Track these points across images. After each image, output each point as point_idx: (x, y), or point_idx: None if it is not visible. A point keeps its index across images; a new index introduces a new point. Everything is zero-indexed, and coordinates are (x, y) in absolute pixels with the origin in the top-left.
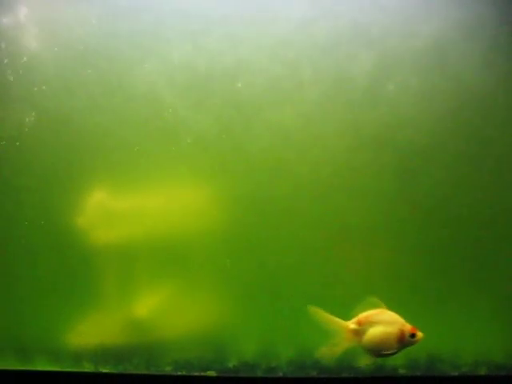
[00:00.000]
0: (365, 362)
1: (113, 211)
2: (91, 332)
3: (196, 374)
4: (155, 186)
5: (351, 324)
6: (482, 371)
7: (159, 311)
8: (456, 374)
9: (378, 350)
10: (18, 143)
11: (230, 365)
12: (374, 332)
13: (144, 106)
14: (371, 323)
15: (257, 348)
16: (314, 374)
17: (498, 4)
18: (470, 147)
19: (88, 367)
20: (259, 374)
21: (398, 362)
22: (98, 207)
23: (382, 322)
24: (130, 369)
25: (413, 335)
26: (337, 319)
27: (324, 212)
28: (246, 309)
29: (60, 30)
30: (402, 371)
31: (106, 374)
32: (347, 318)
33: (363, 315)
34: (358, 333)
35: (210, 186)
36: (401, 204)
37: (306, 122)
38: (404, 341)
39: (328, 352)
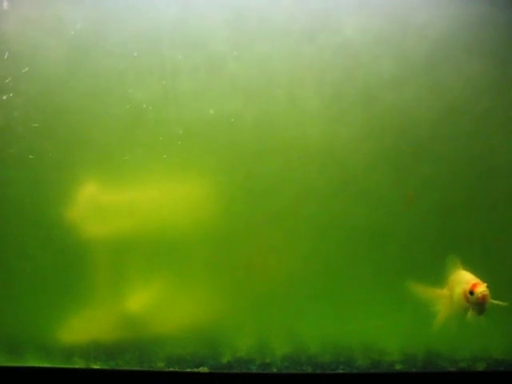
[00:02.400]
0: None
1: (104, 205)
2: (83, 328)
3: (189, 370)
4: (148, 179)
5: (446, 291)
6: (481, 367)
7: (152, 306)
8: (454, 369)
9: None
10: (4, 134)
11: (224, 360)
12: (454, 295)
13: (136, 97)
14: (451, 288)
15: (251, 344)
16: (308, 370)
17: None
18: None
19: (79, 363)
20: (253, 369)
21: (394, 358)
22: (89, 201)
23: (456, 283)
24: (122, 365)
25: (471, 293)
26: (436, 289)
27: (320, 206)
28: (240, 304)
29: (54, 22)
30: (398, 367)
31: (97, 370)
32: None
33: (448, 281)
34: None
35: (202, 180)
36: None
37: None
38: (469, 300)
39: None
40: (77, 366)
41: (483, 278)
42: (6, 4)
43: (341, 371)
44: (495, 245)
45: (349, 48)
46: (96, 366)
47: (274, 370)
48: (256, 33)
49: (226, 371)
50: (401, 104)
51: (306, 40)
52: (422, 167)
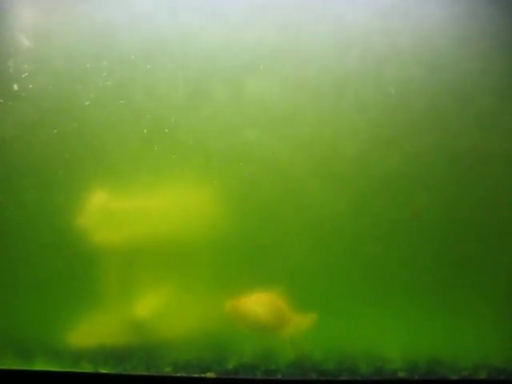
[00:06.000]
0: None
1: (114, 211)
2: (91, 332)
3: (196, 375)
4: (158, 186)
5: None
6: (483, 375)
7: (159, 312)
8: (456, 377)
9: None
10: (17, 142)
11: (230, 366)
12: None
13: (146, 104)
14: None
15: (256, 350)
16: (313, 376)
17: None
18: None
19: (87, 367)
20: (258, 375)
21: (397, 366)
22: (98, 207)
23: None
24: (130, 369)
25: None
26: None
27: (331, 212)
28: None
29: (62, 26)
30: (401, 374)
31: (105, 374)
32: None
33: None
34: None
35: (213, 187)
36: (399, 206)
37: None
38: None
39: None
40: (85, 371)
41: None
42: None
43: (344, 378)
44: None
45: None
46: (104, 371)
47: (279, 377)
48: None
49: (231, 377)
50: None
51: None
52: None
